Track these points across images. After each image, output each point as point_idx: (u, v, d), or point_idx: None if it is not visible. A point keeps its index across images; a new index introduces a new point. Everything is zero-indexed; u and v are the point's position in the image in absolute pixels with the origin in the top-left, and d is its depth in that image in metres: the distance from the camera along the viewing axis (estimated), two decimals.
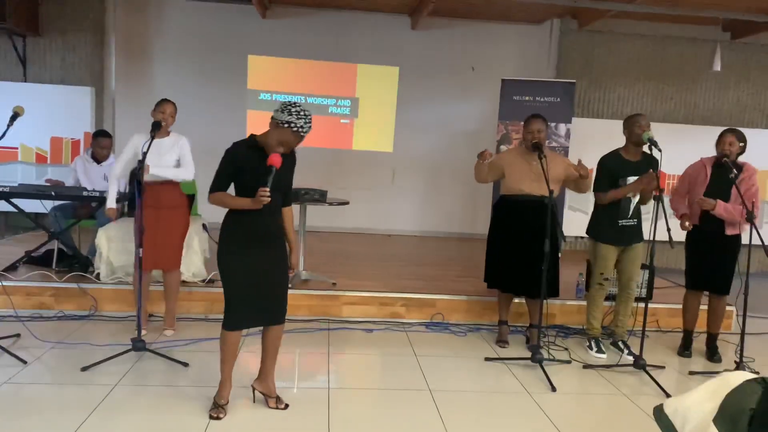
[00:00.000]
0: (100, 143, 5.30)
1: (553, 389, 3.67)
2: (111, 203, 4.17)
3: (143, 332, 3.82)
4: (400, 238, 8.28)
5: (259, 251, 2.97)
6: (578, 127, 7.46)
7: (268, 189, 2.77)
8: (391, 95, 8.36)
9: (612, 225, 4.27)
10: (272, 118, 2.85)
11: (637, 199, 4.29)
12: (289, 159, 3.02)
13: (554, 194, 3.99)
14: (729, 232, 4.27)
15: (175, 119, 4.10)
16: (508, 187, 4.28)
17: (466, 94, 8.41)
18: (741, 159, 4.30)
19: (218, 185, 2.93)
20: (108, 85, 7.77)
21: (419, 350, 4.27)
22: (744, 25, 7.65)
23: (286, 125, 2.81)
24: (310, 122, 2.85)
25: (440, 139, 8.46)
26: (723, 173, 4.18)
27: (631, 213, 4.28)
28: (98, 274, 4.77)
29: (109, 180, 4.28)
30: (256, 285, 2.98)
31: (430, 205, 8.59)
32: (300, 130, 2.82)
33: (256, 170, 2.86)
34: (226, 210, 2.99)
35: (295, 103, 2.84)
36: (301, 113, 2.81)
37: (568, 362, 4.17)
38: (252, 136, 2.97)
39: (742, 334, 4.10)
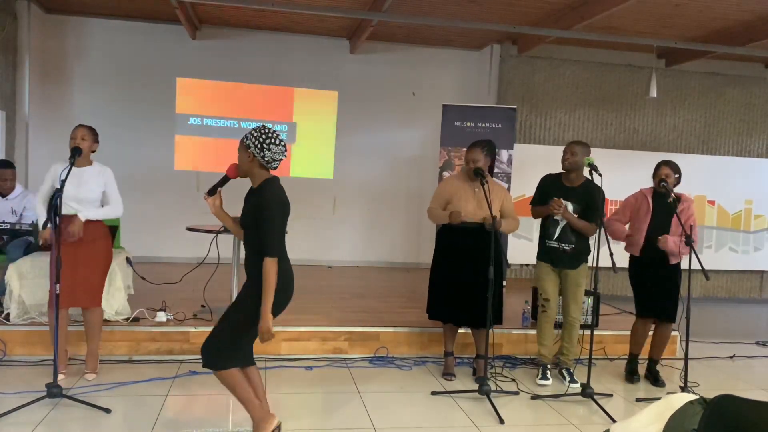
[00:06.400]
0: (2, 175, 5.11)
1: (502, 422, 3.72)
2: (43, 227, 3.95)
3: (60, 377, 3.65)
4: (341, 270, 8.26)
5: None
6: (520, 153, 7.72)
7: (207, 194, 3.08)
8: (330, 120, 8.43)
9: (542, 245, 4.58)
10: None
11: (564, 222, 4.48)
12: (254, 198, 2.98)
13: (497, 219, 4.12)
14: (672, 261, 4.52)
15: (98, 144, 4.02)
16: None
17: (407, 120, 8.58)
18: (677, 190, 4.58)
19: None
20: (21, 109, 7.49)
21: (363, 387, 4.25)
22: (677, 53, 8.19)
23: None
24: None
25: (382, 166, 8.56)
26: (664, 203, 4.43)
27: (557, 235, 4.49)
28: (8, 314, 4.55)
29: (36, 210, 4.08)
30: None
31: (373, 235, 8.64)
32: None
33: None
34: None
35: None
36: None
37: (516, 393, 4.25)
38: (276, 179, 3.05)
39: (686, 359, 4.30)
